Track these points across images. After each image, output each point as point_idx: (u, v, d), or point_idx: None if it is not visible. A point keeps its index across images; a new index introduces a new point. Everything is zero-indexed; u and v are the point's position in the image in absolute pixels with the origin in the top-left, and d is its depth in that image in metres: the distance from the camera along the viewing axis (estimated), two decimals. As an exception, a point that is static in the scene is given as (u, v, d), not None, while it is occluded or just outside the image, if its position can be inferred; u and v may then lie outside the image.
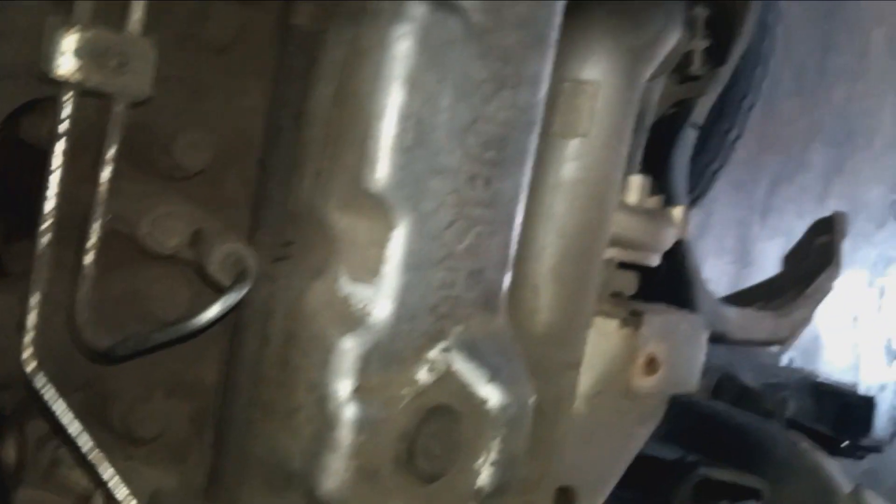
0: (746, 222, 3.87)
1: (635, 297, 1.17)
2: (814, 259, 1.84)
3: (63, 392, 0.69)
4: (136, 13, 0.64)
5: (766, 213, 3.93)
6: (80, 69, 0.62)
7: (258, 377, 0.78)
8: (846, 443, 1.37)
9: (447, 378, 0.79)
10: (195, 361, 0.80)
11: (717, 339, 1.53)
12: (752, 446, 1.13)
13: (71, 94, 0.62)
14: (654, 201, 1.16)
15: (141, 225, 0.69)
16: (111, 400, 0.76)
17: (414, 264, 0.76)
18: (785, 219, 3.90)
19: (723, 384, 1.37)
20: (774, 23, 1.72)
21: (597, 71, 0.90)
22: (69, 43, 0.61)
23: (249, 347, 0.79)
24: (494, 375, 0.81)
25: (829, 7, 3.95)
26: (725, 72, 1.43)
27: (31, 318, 0.64)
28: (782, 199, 3.95)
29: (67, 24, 0.61)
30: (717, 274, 3.70)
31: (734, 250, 3.84)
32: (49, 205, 0.64)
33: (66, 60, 0.61)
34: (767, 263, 3.86)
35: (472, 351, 0.80)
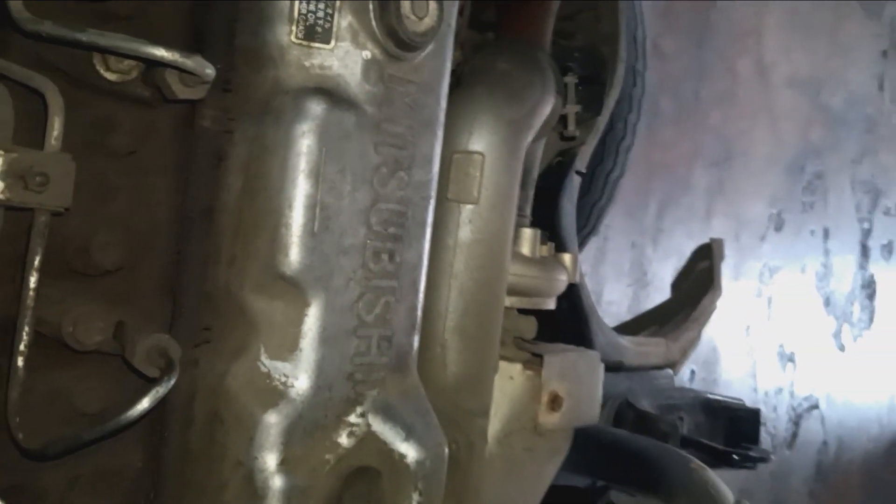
0: (640, 246, 4.06)
1: (537, 338, 1.26)
2: (697, 283, 1.98)
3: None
4: (54, 131, 0.68)
5: (658, 236, 4.13)
6: (4, 189, 0.66)
7: (186, 457, 0.82)
8: (737, 456, 1.50)
9: (367, 440, 0.85)
10: (119, 447, 0.83)
11: (614, 367, 1.64)
12: (650, 468, 1.23)
13: (-3, 212, 0.67)
14: (545, 250, 1.26)
15: (63, 325, 0.72)
16: (39, 499, 0.78)
17: (329, 337, 0.82)
18: (675, 239, 4.11)
19: (622, 412, 1.47)
20: (643, 70, 1.87)
21: (482, 143, 0.99)
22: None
23: (175, 429, 0.83)
24: (410, 433, 0.87)
25: (699, 39, 4.22)
26: (601, 121, 1.55)
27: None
28: (671, 221, 4.16)
29: (-10, 149, 0.65)
30: (617, 296, 3.87)
31: (631, 273, 4.01)
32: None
33: (-8, 181, 0.66)
34: (663, 283, 4.05)
35: (388, 412, 0.86)
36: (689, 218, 4.21)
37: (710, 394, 1.70)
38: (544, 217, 1.45)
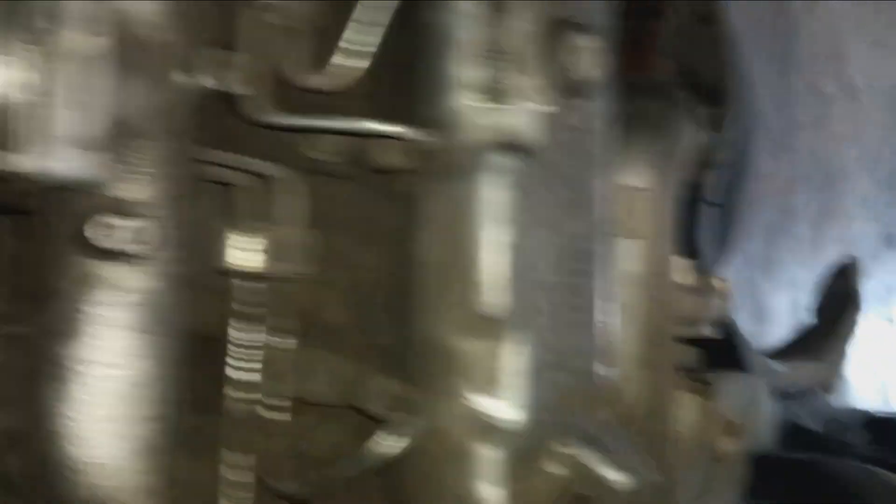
0: (751, 278, 3.97)
1: (698, 367, 1.28)
2: (837, 304, 1.96)
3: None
4: (295, 210, 0.79)
5: (769, 267, 4.04)
6: (267, 261, 0.77)
7: (405, 496, 0.88)
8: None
9: (577, 469, 0.88)
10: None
11: (772, 392, 1.62)
12: (842, 487, 1.21)
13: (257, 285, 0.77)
14: (697, 278, 1.29)
15: (302, 382, 0.80)
16: None
17: (531, 371, 0.87)
18: (787, 269, 4.00)
19: (791, 434, 1.46)
20: (750, 99, 1.89)
21: (644, 179, 1.05)
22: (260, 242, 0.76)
23: (393, 470, 0.89)
24: (616, 460, 0.90)
25: (784, 67, 4.19)
26: (727, 151, 1.58)
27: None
28: (780, 251, 4.06)
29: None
30: (737, 332, 3.77)
31: (746, 307, 3.93)
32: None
33: (256, 257, 0.76)
34: (780, 316, 3.93)
35: (594, 441, 0.90)
36: (798, 246, 4.11)
37: (871, 410, 1.67)
38: (681, 247, 1.48)
